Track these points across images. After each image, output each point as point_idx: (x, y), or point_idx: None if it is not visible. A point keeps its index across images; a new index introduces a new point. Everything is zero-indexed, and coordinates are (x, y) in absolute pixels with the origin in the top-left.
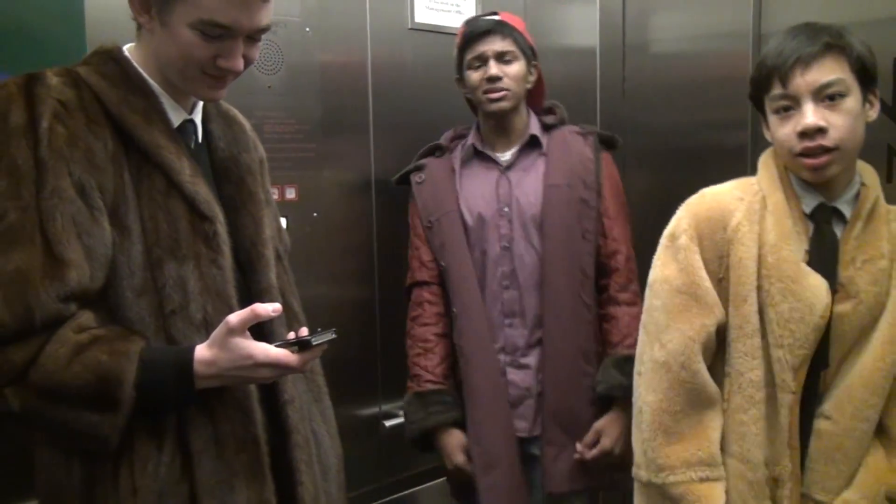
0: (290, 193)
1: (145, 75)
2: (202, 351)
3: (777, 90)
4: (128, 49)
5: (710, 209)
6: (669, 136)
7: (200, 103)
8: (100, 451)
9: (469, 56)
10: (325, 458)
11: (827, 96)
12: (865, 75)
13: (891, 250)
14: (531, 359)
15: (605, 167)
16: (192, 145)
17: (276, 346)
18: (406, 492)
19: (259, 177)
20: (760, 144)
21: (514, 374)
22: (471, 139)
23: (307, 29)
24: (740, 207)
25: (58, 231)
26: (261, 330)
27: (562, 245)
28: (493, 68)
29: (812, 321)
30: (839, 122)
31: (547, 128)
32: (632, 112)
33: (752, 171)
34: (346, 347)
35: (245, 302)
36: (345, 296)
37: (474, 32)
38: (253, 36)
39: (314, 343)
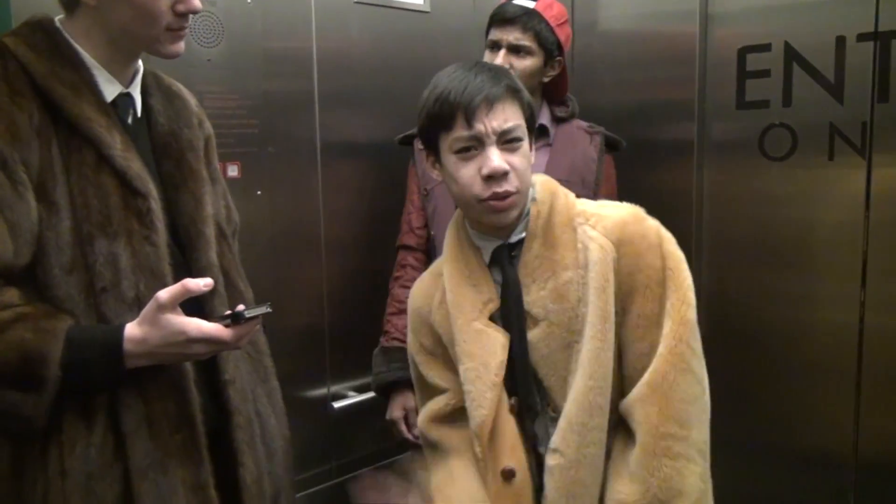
0: (233, 171)
1: (78, 48)
2: (132, 329)
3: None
4: (59, 21)
5: (416, 296)
6: (618, 116)
7: (139, 77)
8: (26, 433)
9: (489, 37)
10: (271, 439)
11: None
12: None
13: (577, 258)
14: None
15: (607, 168)
16: (130, 120)
17: (210, 321)
18: (355, 473)
19: (202, 153)
20: (707, 125)
21: None
22: None
23: (249, 0)
24: (439, 286)
25: None
26: (201, 309)
27: None
28: (501, 59)
29: (489, 379)
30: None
31: (557, 120)
32: (580, 89)
33: (698, 147)
34: (293, 328)
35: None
36: (291, 275)
37: (497, 16)
38: None
39: (247, 316)
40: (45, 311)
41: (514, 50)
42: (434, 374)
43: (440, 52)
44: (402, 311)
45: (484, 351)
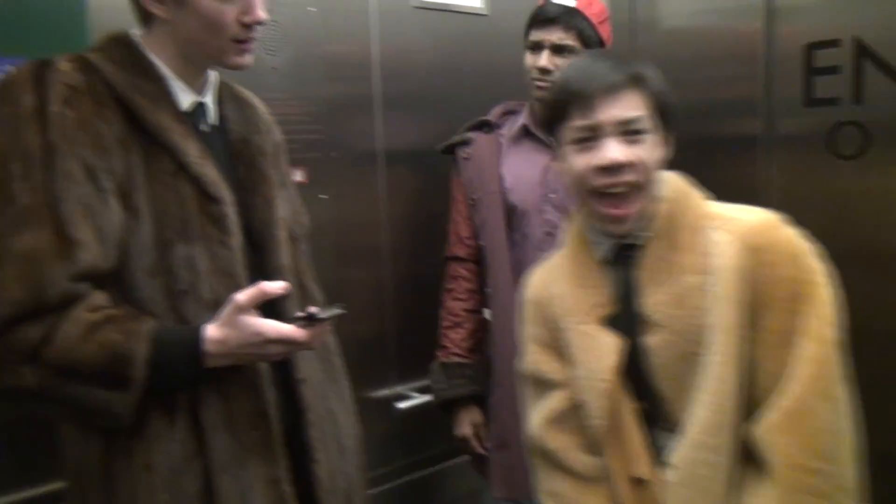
0: (298, 176)
1: (155, 60)
2: (212, 330)
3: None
4: (136, 35)
5: (535, 285)
6: (681, 114)
7: (211, 85)
8: (114, 428)
9: (530, 37)
10: (343, 437)
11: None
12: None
13: (703, 263)
14: None
15: None
16: (205, 127)
17: (285, 322)
18: (420, 473)
19: (273, 158)
20: (773, 122)
21: None
22: (523, 118)
23: (310, 8)
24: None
25: (68, 212)
26: (273, 310)
27: None
28: (545, 60)
29: (599, 387)
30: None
31: None
32: None
33: (764, 148)
34: (357, 329)
35: (258, 282)
36: (356, 277)
37: (539, 16)
38: None
39: (321, 317)
40: (131, 313)
41: (558, 50)
42: (549, 368)
43: (499, 56)
44: (458, 325)
45: (591, 356)
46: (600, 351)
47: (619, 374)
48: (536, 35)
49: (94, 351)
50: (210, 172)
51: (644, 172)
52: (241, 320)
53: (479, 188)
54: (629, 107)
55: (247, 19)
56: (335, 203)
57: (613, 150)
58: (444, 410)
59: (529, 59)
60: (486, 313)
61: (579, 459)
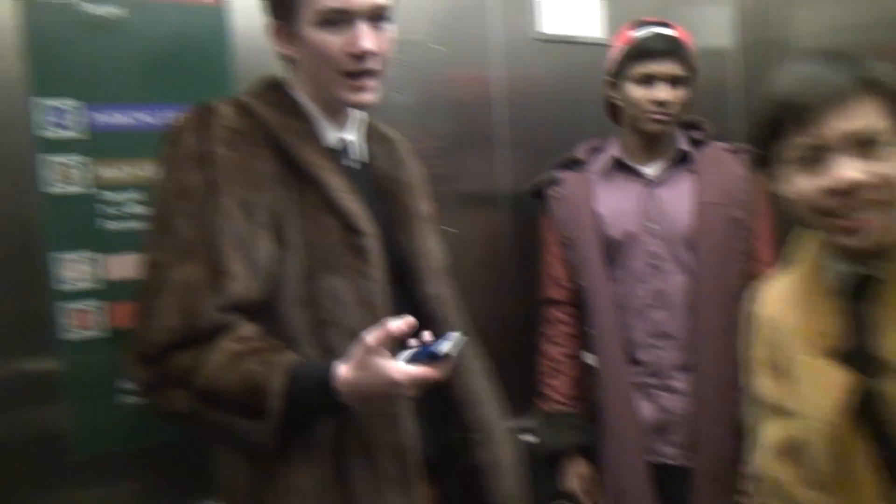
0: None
1: (301, 99)
2: (344, 371)
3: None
4: (284, 77)
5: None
6: None
7: (356, 121)
8: (260, 454)
9: (638, 70)
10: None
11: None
12: None
13: None
14: (680, 383)
15: (758, 186)
16: (350, 163)
17: (410, 359)
18: None
19: (418, 192)
20: None
21: (662, 398)
22: (613, 151)
23: (435, 46)
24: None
25: (223, 247)
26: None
27: (716, 265)
28: (665, 93)
29: (820, 428)
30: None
31: (694, 143)
32: None
33: None
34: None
35: (411, 314)
36: (480, 309)
37: (651, 50)
38: (374, 17)
39: (444, 353)
40: (274, 345)
41: (672, 82)
42: (778, 394)
43: None
44: (559, 372)
45: (815, 390)
46: (825, 386)
47: (848, 416)
48: (648, 68)
49: (235, 380)
50: (354, 206)
51: (889, 190)
52: (372, 362)
53: (573, 227)
54: (862, 117)
55: (353, 50)
56: (460, 236)
57: (847, 169)
58: (548, 463)
59: (637, 92)
60: (589, 358)
61: (806, 496)
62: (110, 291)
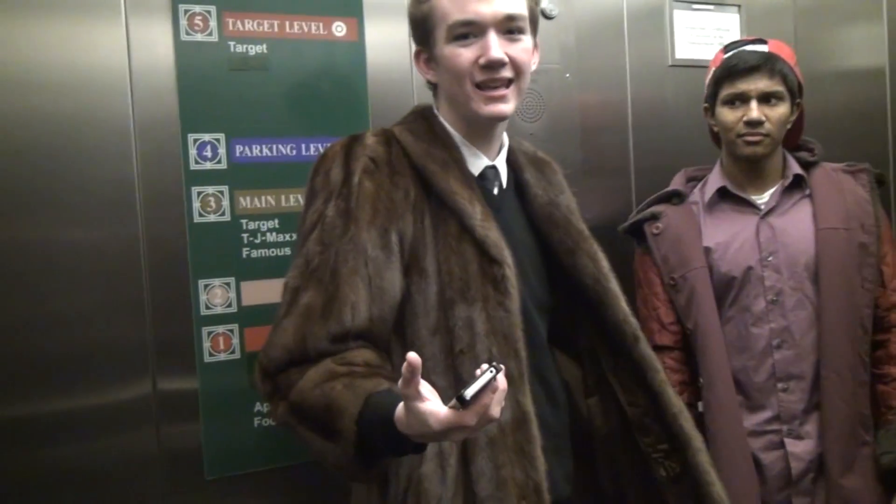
0: None
1: (449, 128)
2: (400, 411)
3: None
4: (435, 106)
5: None
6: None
7: (504, 149)
8: (348, 477)
9: (727, 91)
10: None
11: None
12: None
13: None
14: (811, 426)
15: (881, 208)
16: (496, 191)
17: (449, 405)
18: None
19: (579, 214)
20: None
21: (794, 446)
22: (718, 181)
23: (567, 74)
24: None
25: (346, 274)
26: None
27: (842, 296)
28: (755, 111)
29: None
30: None
31: (805, 166)
32: None
33: None
34: None
35: (601, 337)
36: None
37: (738, 66)
38: (507, 30)
39: (469, 396)
40: (370, 371)
41: (765, 98)
42: None
43: None
44: None
45: None
46: None
47: None
48: (738, 86)
49: (318, 397)
50: (493, 235)
51: None
52: (412, 408)
53: (679, 265)
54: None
55: (482, 61)
56: None
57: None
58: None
59: (729, 115)
60: (700, 407)
61: None
62: (244, 316)
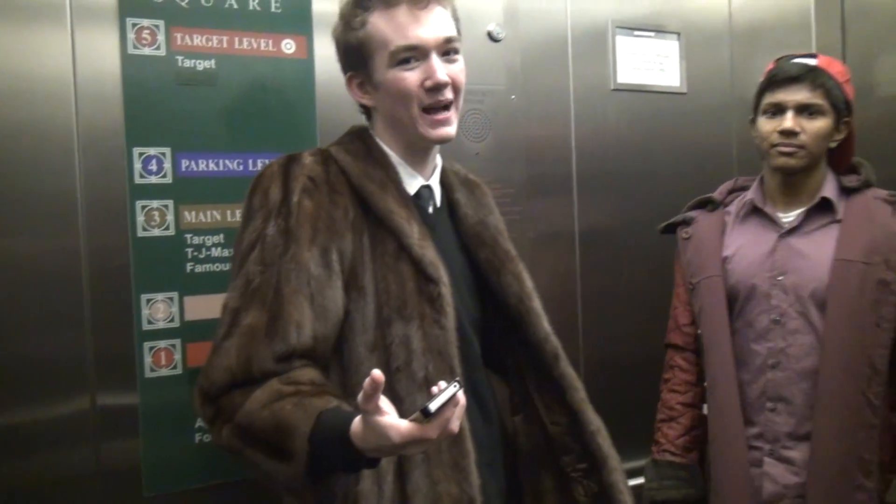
0: None
1: (386, 149)
2: (356, 425)
3: None
4: (370, 127)
5: None
6: None
7: (438, 169)
8: (296, 496)
9: (767, 100)
10: None
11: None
12: None
13: None
14: (796, 453)
15: None
16: (430, 210)
17: (411, 418)
18: None
19: (507, 235)
20: None
21: (772, 467)
22: (751, 194)
23: (512, 96)
24: None
25: (289, 293)
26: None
27: (849, 330)
28: (790, 121)
29: None
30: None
31: (847, 191)
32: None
33: None
34: None
35: (525, 355)
36: None
37: (779, 76)
38: (445, 52)
39: (432, 409)
40: (318, 390)
41: (803, 110)
42: None
43: (697, 132)
44: (672, 419)
45: None
46: None
47: None
48: (776, 96)
49: (266, 418)
50: (429, 254)
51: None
52: (371, 421)
53: (698, 271)
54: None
55: (429, 83)
56: (532, 280)
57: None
58: None
59: (766, 124)
60: (706, 409)
61: None
62: (187, 331)
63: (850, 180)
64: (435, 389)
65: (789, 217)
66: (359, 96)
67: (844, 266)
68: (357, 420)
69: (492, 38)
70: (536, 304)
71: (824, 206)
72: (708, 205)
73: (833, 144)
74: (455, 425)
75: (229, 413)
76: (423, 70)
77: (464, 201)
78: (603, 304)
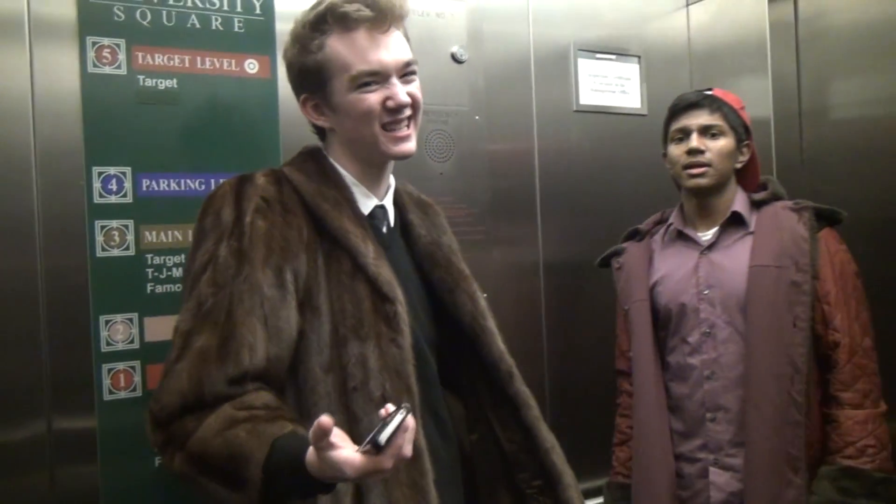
0: None
1: (340, 169)
2: (311, 456)
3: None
4: (324, 147)
5: None
6: (855, 207)
7: (391, 190)
8: None
9: (673, 128)
10: None
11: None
12: None
13: None
14: (738, 460)
15: (825, 246)
16: (385, 229)
17: (359, 450)
18: None
19: (459, 254)
20: None
21: (717, 476)
22: (672, 220)
23: (476, 117)
24: None
25: (242, 315)
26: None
27: (768, 332)
28: (695, 140)
29: None
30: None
31: (756, 205)
32: (811, 182)
33: None
34: None
35: (479, 373)
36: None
37: (679, 105)
38: (405, 75)
39: (383, 441)
40: (273, 415)
41: (706, 131)
42: None
43: (658, 153)
44: (623, 443)
45: None
46: None
47: None
48: (681, 122)
49: (220, 446)
50: (385, 273)
51: None
52: (322, 456)
53: (628, 298)
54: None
55: (392, 104)
56: (495, 301)
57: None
58: None
59: (675, 149)
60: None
61: None
62: (147, 352)
63: (759, 195)
64: (382, 412)
65: (707, 235)
66: (314, 118)
67: (759, 272)
68: (311, 450)
69: (455, 59)
70: (490, 323)
71: (737, 221)
72: (635, 236)
73: (738, 165)
74: (408, 450)
75: (181, 440)
76: (383, 92)
77: (417, 221)
78: (567, 324)
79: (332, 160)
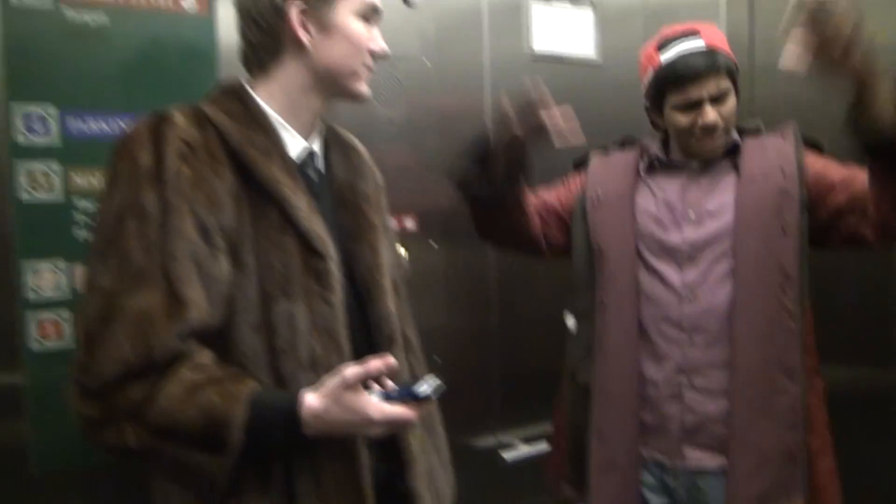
0: (409, 223)
1: (268, 109)
2: (312, 401)
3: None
4: (248, 83)
5: None
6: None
7: (319, 132)
8: (209, 490)
9: (677, 98)
10: (440, 488)
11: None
12: None
13: None
14: (717, 383)
15: (810, 158)
16: (314, 175)
17: (390, 399)
18: None
19: (376, 203)
20: None
21: (693, 398)
22: (655, 151)
23: (426, 62)
24: None
25: (179, 270)
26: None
27: (756, 239)
28: (711, 115)
29: None
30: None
31: (742, 134)
32: None
33: None
34: (462, 378)
35: (363, 332)
36: (462, 324)
37: (682, 73)
38: (377, 23)
39: (422, 396)
40: (233, 374)
41: (717, 99)
42: None
43: (611, 104)
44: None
45: None
46: None
47: None
48: (688, 93)
49: (194, 413)
50: (317, 227)
51: None
52: (347, 398)
53: (604, 191)
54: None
55: (376, 47)
56: (445, 250)
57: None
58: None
59: (682, 119)
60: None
61: None
62: (78, 302)
63: (751, 124)
64: (422, 387)
65: (696, 162)
66: (297, 28)
67: (745, 184)
68: (316, 395)
69: (406, 3)
70: (386, 281)
71: (733, 150)
72: (626, 145)
73: None
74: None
75: (131, 411)
76: (373, 34)
77: (337, 161)
78: (516, 270)
79: (257, 99)
